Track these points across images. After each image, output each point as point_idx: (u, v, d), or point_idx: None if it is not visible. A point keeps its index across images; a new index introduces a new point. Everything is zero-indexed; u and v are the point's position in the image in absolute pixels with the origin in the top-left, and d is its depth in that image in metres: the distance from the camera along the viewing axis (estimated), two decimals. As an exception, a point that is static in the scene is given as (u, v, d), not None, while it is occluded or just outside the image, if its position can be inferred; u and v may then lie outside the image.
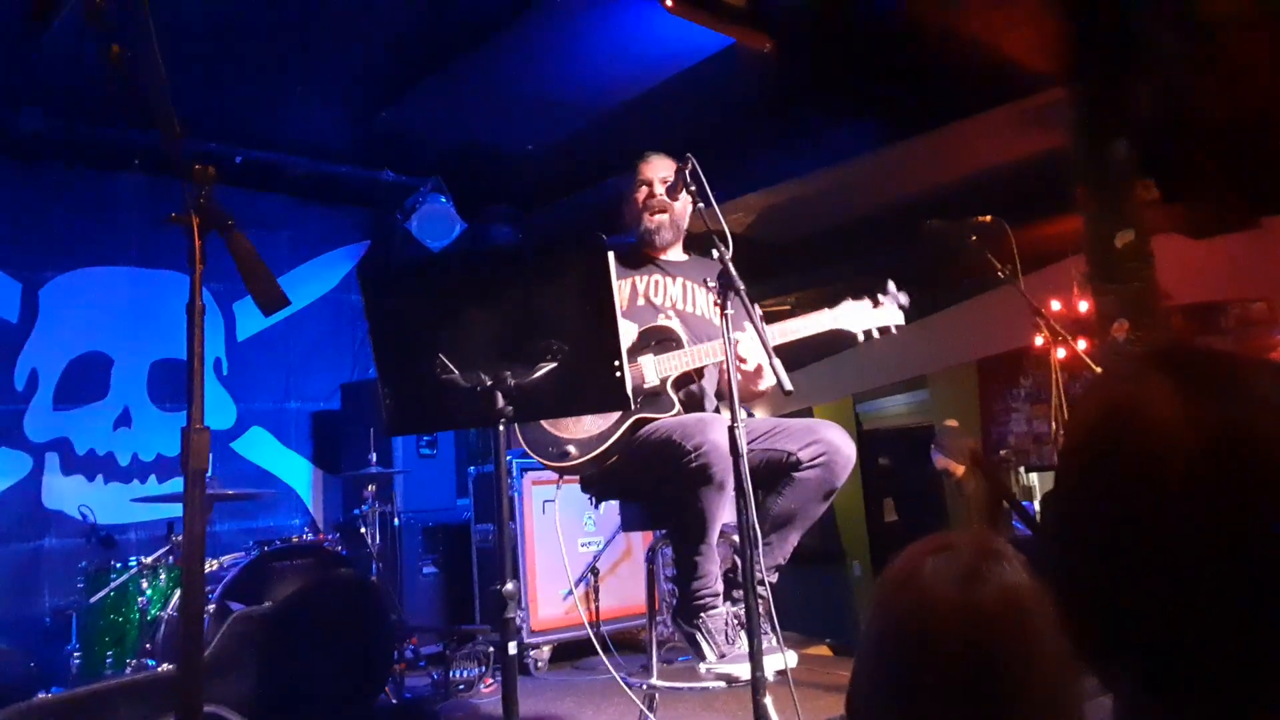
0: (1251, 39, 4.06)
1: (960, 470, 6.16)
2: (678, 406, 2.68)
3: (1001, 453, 7.21)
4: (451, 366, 2.14)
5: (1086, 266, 4.41)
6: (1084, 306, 4.92)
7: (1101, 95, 4.27)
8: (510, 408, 2.13)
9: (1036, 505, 6.75)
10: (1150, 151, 4.31)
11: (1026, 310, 3.69)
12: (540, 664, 4.66)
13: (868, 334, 2.79)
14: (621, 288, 2.86)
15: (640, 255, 2.99)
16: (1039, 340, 4.11)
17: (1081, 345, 3.76)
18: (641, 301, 2.88)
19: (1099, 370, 3.48)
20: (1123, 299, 4.21)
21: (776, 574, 2.65)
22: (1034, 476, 7.38)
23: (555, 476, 2.89)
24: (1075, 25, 4.18)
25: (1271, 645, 0.67)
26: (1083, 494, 0.78)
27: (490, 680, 4.23)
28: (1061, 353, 4.26)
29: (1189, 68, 4.21)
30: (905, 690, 0.92)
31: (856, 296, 2.82)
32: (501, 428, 2.15)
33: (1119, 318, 4.19)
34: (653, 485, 2.60)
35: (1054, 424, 4.55)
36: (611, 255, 2.12)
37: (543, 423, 2.70)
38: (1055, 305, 4.77)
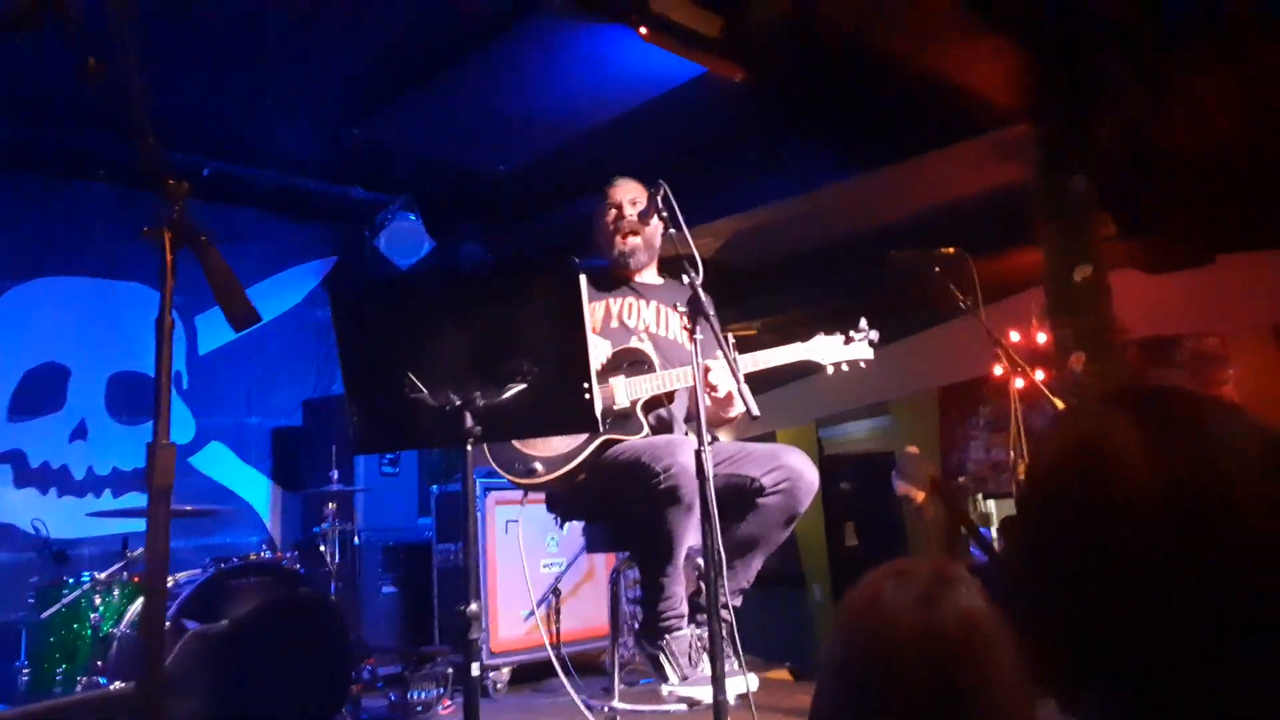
0: (1210, 80, 4.18)
1: (920, 496, 6.22)
2: (646, 429, 2.69)
3: (960, 479, 7.29)
4: (420, 385, 2.14)
5: (1045, 299, 4.50)
6: (1042, 338, 5.02)
7: (1064, 131, 4.38)
8: (479, 427, 2.14)
9: (994, 532, 6.83)
10: (1110, 187, 4.43)
11: (987, 340, 3.76)
12: (499, 685, 4.63)
13: (837, 366, 2.84)
14: (595, 309, 2.88)
15: (615, 277, 3.01)
16: (998, 370, 4.18)
17: (1040, 376, 3.82)
18: (615, 324, 2.90)
19: (1058, 402, 3.55)
20: (1080, 332, 4.30)
21: (740, 597, 2.67)
22: (992, 503, 7.47)
23: (519, 496, 2.89)
24: (1040, 63, 4.28)
25: (1235, 672, 0.70)
26: (1048, 526, 0.81)
27: (449, 702, 4.20)
28: (1020, 383, 4.32)
29: (1149, 106, 4.32)
30: (867, 713, 0.93)
31: (829, 331, 2.87)
32: (470, 447, 2.15)
33: (1076, 350, 4.28)
34: (620, 506, 2.61)
35: (1012, 452, 4.62)
36: (584, 278, 2.14)
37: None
38: (1015, 336, 4.85)
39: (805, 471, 2.64)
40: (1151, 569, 0.72)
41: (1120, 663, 0.74)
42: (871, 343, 2.85)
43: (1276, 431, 0.78)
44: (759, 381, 2.56)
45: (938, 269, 3.59)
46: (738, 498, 2.62)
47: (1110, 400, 0.82)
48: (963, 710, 0.89)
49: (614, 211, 2.99)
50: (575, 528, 3.06)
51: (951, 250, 3.61)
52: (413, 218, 5.76)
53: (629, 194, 2.98)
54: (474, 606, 2.04)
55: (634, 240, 2.94)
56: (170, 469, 1.61)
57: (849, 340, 2.83)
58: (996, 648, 0.92)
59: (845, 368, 2.83)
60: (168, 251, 1.64)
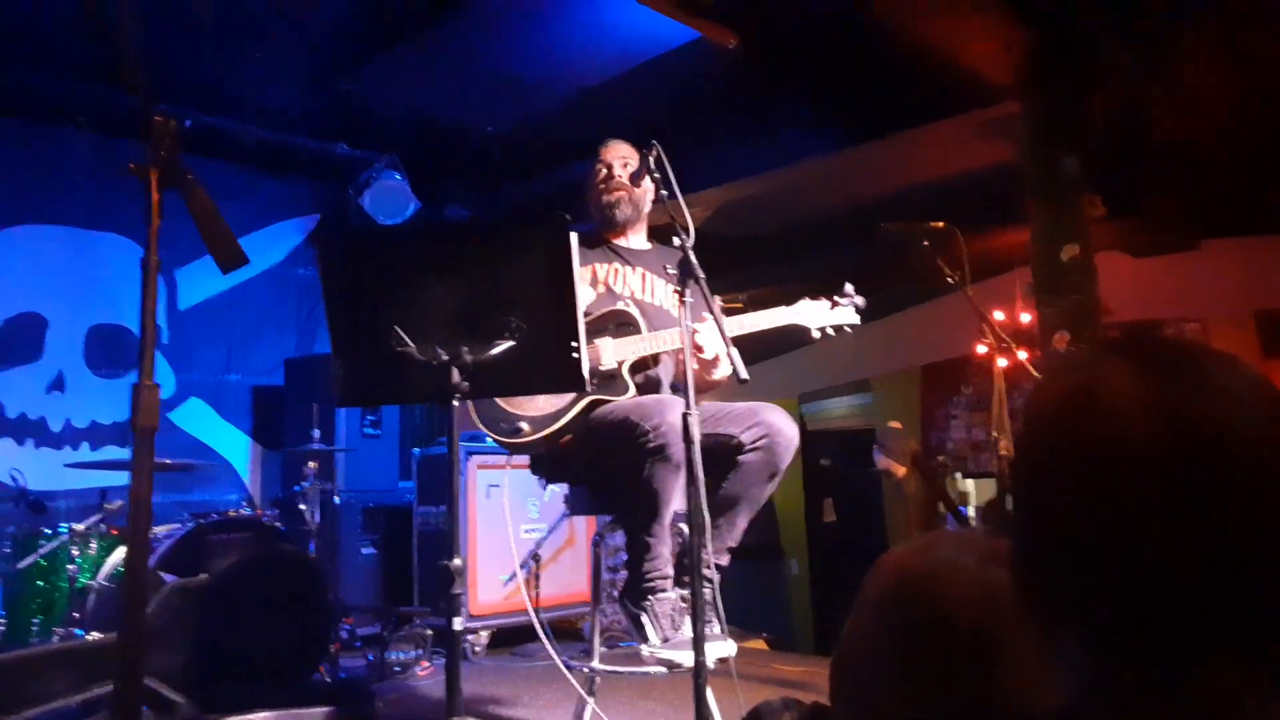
0: (1205, 64, 4.19)
1: (901, 471, 6.26)
2: (632, 390, 2.69)
3: (940, 458, 7.35)
4: (407, 339, 2.13)
5: (1031, 278, 4.52)
6: (1026, 318, 5.05)
7: (1055, 111, 4.38)
8: (465, 383, 2.13)
9: (971, 510, 6.90)
10: (1099, 168, 4.43)
11: (971, 318, 3.77)
12: (478, 649, 4.64)
13: (823, 331, 2.83)
14: (581, 274, 2.86)
15: (601, 240, 2.99)
16: (982, 349, 4.20)
17: (1023, 355, 3.85)
18: (601, 289, 2.89)
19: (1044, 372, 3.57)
20: (1064, 312, 4.32)
21: (728, 556, 2.68)
22: (970, 483, 7.54)
23: (502, 461, 2.88)
24: (1035, 40, 4.27)
25: (1225, 614, 0.70)
26: (1042, 471, 0.81)
27: (427, 663, 4.20)
28: (1004, 362, 4.34)
29: (1143, 88, 4.33)
30: (908, 646, 0.94)
31: (814, 296, 2.86)
32: (455, 404, 2.14)
33: (1060, 330, 4.31)
34: (606, 466, 2.61)
35: (994, 432, 4.65)
36: (574, 236, 2.12)
37: (496, 399, 2.69)
38: (999, 316, 4.88)
39: (784, 427, 2.64)
40: (1143, 516, 0.72)
41: (1104, 608, 0.74)
42: (857, 308, 2.84)
43: (1272, 383, 0.78)
44: (743, 351, 2.55)
45: (926, 242, 3.59)
46: (719, 456, 2.62)
47: (1107, 347, 0.82)
48: (1001, 657, 0.90)
49: (604, 171, 2.97)
50: (556, 494, 3.06)
51: (941, 224, 3.61)
52: (398, 177, 5.70)
53: (620, 155, 2.96)
54: (457, 561, 2.04)
55: (619, 194, 2.93)
56: (154, 411, 1.59)
57: (834, 305, 2.82)
58: None
59: (831, 332, 2.82)
60: (154, 190, 1.61)
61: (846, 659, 1.04)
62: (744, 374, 2.25)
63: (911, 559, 1.00)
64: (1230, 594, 0.71)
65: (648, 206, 3.00)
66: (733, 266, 6.45)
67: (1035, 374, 3.67)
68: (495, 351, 2.13)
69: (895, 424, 6.66)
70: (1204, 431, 0.73)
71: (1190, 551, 0.71)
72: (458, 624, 2.00)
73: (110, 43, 1.61)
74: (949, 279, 3.67)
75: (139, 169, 1.61)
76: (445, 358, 2.11)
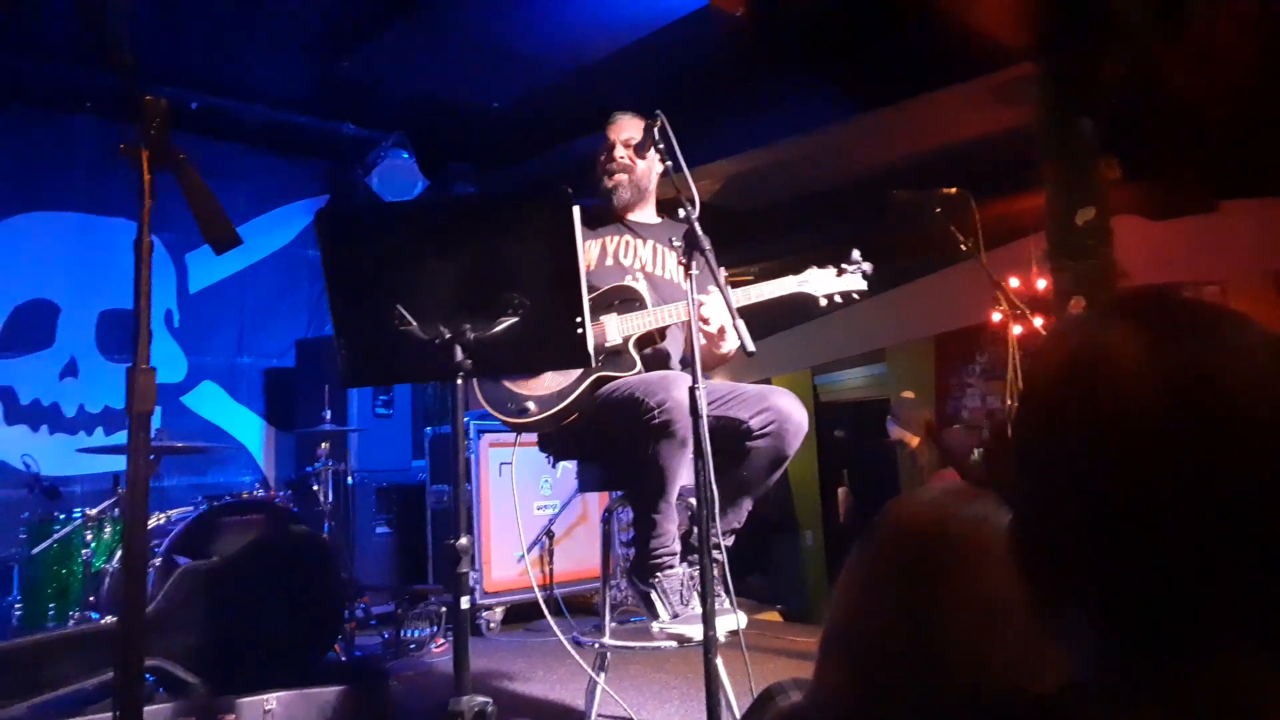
0: (1221, 23, 4.09)
1: (915, 441, 6.22)
2: (639, 366, 2.66)
3: (955, 427, 7.30)
4: (409, 318, 2.10)
5: (1047, 242, 4.45)
6: (1042, 285, 4.98)
7: (1069, 72, 4.29)
8: (469, 362, 2.10)
9: (988, 480, 6.83)
10: (1116, 129, 4.35)
11: (985, 285, 3.71)
12: (492, 625, 4.66)
13: (830, 299, 2.79)
14: (590, 247, 2.84)
15: (612, 216, 2.95)
16: (996, 316, 4.14)
17: (1039, 322, 3.79)
18: (610, 262, 2.86)
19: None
20: (1080, 276, 4.25)
21: (732, 537, 2.66)
22: (986, 452, 7.47)
23: (513, 438, 2.87)
24: (1046, 1, 4.18)
25: (1233, 591, 0.67)
26: (1046, 440, 0.77)
27: (441, 640, 4.22)
28: (1018, 329, 4.29)
29: (1157, 48, 4.23)
30: (914, 598, 0.93)
31: (821, 264, 2.82)
32: (459, 381, 2.11)
33: (1076, 295, 4.24)
34: (613, 443, 2.58)
35: (1009, 400, 4.60)
36: (577, 209, 2.09)
37: (502, 379, 2.67)
38: (1014, 282, 4.81)
39: (794, 413, 2.60)
40: (1152, 481, 0.69)
41: (1110, 585, 0.71)
42: (865, 274, 2.80)
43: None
44: (754, 323, 2.51)
45: (939, 209, 3.53)
46: (727, 440, 2.59)
47: (1111, 307, 0.78)
48: (1006, 622, 0.88)
49: (607, 151, 2.92)
50: (568, 470, 3.05)
51: (954, 191, 3.56)
52: (406, 155, 5.67)
53: (625, 133, 2.91)
54: (464, 540, 2.02)
55: (619, 177, 2.88)
56: (151, 395, 1.57)
57: (841, 272, 2.78)
58: None
59: (839, 300, 2.79)
60: (145, 170, 1.59)
61: (844, 614, 1.02)
62: (750, 346, 2.22)
63: (917, 510, 0.98)
64: (1246, 572, 0.67)
65: (654, 182, 2.95)
66: (743, 239, 6.40)
67: (1049, 340, 3.62)
68: (499, 329, 2.10)
69: (908, 394, 6.61)
70: (1216, 395, 0.69)
71: (1202, 526, 0.67)
72: (465, 603, 1.99)
73: (97, 23, 1.58)
74: (962, 246, 3.62)
75: (129, 150, 1.58)
76: (448, 335, 2.08)
